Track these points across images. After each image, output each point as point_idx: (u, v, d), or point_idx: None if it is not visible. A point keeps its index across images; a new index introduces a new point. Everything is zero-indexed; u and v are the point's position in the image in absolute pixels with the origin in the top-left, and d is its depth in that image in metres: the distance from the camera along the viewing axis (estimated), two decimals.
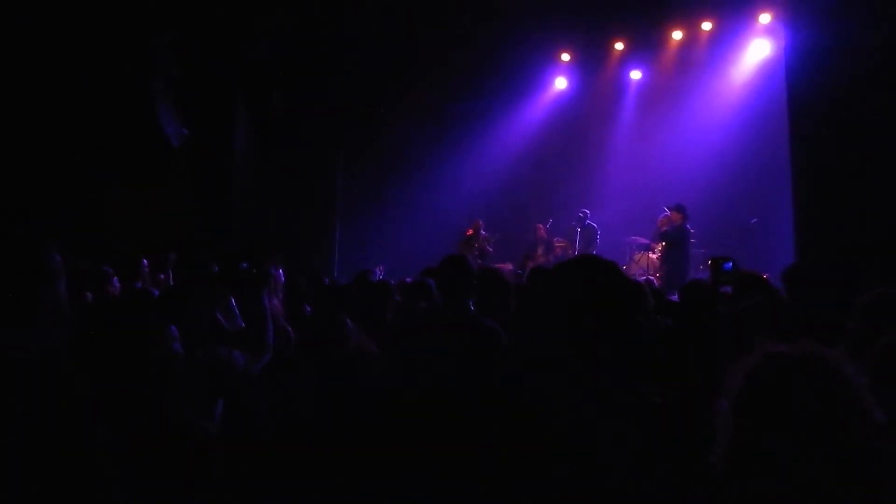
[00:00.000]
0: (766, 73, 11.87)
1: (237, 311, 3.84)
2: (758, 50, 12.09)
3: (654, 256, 11.34)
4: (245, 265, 3.64)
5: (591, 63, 13.56)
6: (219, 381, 3.15)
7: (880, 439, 1.39)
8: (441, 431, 3.15)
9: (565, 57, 13.62)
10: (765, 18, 11.50)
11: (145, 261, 6.60)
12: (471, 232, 12.13)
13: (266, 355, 3.43)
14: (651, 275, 10.95)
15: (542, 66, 13.72)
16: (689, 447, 2.74)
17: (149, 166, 11.20)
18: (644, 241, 11.79)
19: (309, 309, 4.74)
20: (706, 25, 12.28)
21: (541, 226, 11.94)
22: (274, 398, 3.52)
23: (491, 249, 12.10)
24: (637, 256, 11.75)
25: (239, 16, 11.50)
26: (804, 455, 1.36)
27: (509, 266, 12.31)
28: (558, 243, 11.86)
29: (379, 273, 6.95)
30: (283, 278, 6.92)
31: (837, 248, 8.23)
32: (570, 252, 11.41)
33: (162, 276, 6.86)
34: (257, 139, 12.85)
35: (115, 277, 5.11)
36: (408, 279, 7.08)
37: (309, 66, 12.60)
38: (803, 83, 9.12)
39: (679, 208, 10.20)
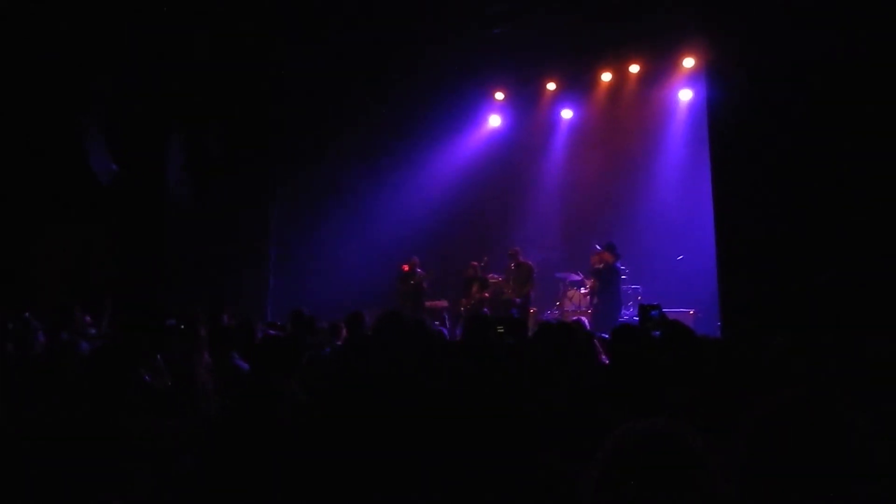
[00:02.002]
0: (691, 112, 12.33)
1: (164, 369, 3.77)
2: (683, 92, 12.55)
3: (584, 292, 11.52)
4: (173, 322, 3.59)
5: (525, 102, 13.88)
6: (148, 445, 3.09)
7: None
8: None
9: (499, 96, 13.91)
10: (688, 62, 12.00)
11: (77, 308, 6.43)
12: (406, 269, 12.15)
13: (194, 417, 3.37)
14: (583, 311, 11.15)
15: (477, 104, 13.98)
16: None
17: (76, 205, 10.91)
18: (576, 277, 12.00)
19: (239, 361, 4.65)
20: (634, 68, 12.73)
21: (475, 263, 12.03)
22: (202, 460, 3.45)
23: (426, 286, 12.14)
24: (570, 293, 11.94)
25: (171, 48, 11.38)
26: None
27: (444, 303, 12.39)
28: (493, 279, 11.97)
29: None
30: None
31: (757, 284, 8.54)
32: (506, 290, 11.52)
33: (88, 319, 6.70)
34: (190, 174, 12.66)
35: (41, 331, 4.95)
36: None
37: (244, 99, 12.52)
38: (724, 125, 9.47)
39: (610, 247, 10.45)
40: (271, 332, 6.20)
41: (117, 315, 6.15)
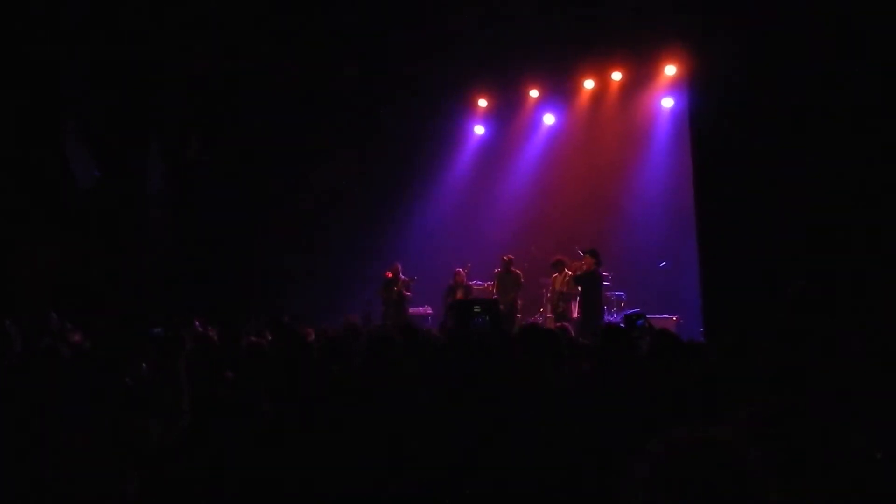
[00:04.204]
0: (673, 120, 12.40)
1: (150, 376, 3.72)
2: (665, 99, 12.62)
3: (548, 296, 11.49)
4: (159, 331, 3.54)
5: (508, 109, 13.91)
6: (132, 451, 3.05)
7: None
8: None
9: (482, 103, 13.95)
10: (671, 70, 12.07)
11: (54, 314, 6.37)
12: (390, 275, 12.13)
13: (181, 422, 3.34)
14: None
15: (461, 111, 14.02)
16: None
17: (55, 211, 10.78)
18: None
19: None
20: (616, 75, 12.79)
21: (460, 269, 12.00)
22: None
23: (409, 294, 12.10)
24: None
25: (153, 54, 11.31)
26: None
27: (429, 310, 12.38)
28: (477, 287, 11.96)
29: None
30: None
31: (738, 290, 8.60)
32: (490, 295, 11.51)
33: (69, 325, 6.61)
34: (172, 180, 12.57)
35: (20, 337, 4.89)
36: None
37: (225, 105, 12.47)
38: (706, 133, 9.55)
39: (592, 253, 10.45)
40: (252, 338, 6.14)
41: (89, 324, 6.08)
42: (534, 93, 13.61)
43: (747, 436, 1.64)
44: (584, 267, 10.43)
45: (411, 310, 12.15)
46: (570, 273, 10.79)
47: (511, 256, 11.62)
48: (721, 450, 1.49)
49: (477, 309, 9.12)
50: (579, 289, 10.62)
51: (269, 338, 6.36)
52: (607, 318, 11.04)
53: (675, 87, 12.21)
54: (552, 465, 3.17)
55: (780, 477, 1.54)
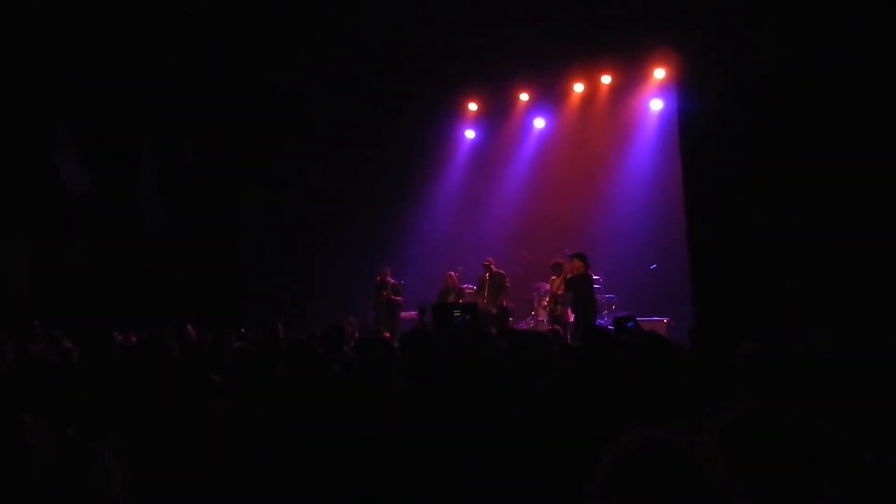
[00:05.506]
0: (662, 122, 12.44)
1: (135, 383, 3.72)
2: (654, 102, 12.68)
3: (546, 302, 11.50)
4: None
5: (498, 112, 13.95)
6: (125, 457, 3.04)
7: None
8: None
9: (472, 106, 13.98)
10: (659, 73, 12.14)
11: (37, 321, 6.36)
12: (378, 279, 12.12)
13: (168, 430, 3.34)
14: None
15: (451, 115, 14.05)
16: None
17: (46, 217, 10.76)
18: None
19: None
20: (606, 78, 12.85)
21: (452, 273, 11.99)
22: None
23: (400, 298, 12.08)
24: (544, 303, 11.95)
25: (146, 60, 11.29)
26: None
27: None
28: (468, 290, 11.96)
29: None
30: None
31: (728, 291, 8.64)
32: (481, 300, 11.51)
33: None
34: (164, 186, 12.54)
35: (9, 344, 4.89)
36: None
37: (219, 110, 12.46)
38: (695, 134, 9.59)
39: (580, 256, 10.47)
40: (240, 343, 6.14)
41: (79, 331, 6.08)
42: (524, 96, 13.66)
43: (724, 438, 1.67)
44: (574, 271, 10.46)
45: (402, 314, 12.12)
46: (567, 276, 10.81)
47: (490, 259, 11.60)
48: (676, 451, 1.51)
49: (457, 312, 9.30)
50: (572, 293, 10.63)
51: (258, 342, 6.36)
52: (599, 320, 11.06)
53: (663, 89, 12.27)
54: (534, 466, 3.19)
55: (755, 479, 1.57)
